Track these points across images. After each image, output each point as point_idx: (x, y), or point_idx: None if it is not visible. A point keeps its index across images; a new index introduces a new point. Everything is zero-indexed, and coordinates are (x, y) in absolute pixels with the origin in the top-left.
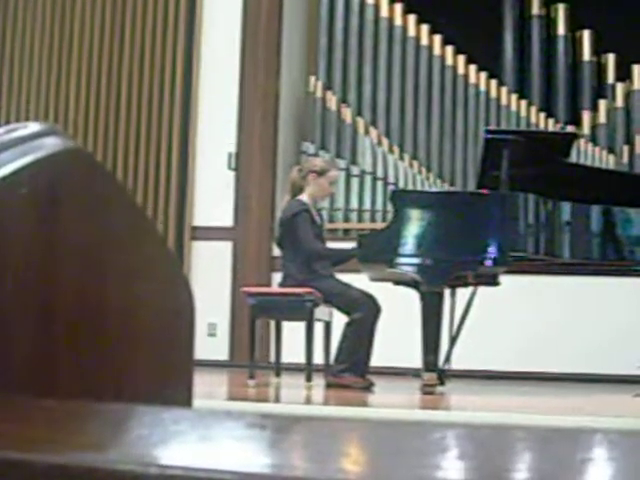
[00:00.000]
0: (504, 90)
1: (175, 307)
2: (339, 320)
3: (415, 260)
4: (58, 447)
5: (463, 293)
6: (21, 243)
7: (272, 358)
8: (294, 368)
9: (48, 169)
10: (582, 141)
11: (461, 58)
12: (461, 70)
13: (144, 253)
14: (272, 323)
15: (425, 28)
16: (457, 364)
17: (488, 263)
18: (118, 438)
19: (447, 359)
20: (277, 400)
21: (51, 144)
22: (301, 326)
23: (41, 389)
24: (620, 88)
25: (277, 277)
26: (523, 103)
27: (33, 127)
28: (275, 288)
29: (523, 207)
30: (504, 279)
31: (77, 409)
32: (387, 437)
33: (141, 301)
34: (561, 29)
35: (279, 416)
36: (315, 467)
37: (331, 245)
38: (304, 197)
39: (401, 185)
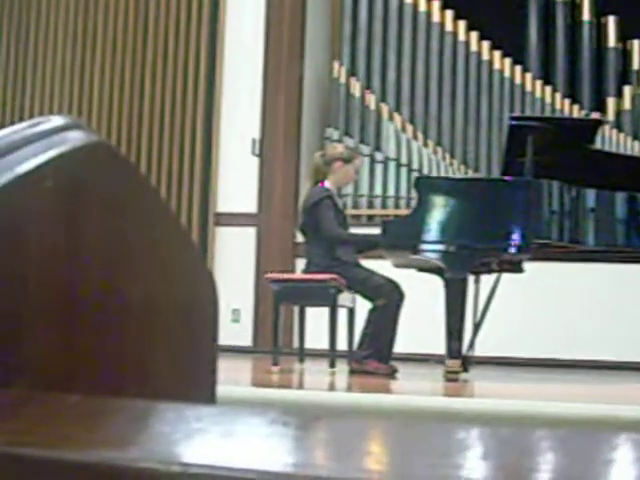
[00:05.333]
0: (529, 76)
1: (198, 301)
2: (363, 306)
3: (439, 247)
4: (80, 444)
5: (487, 280)
6: (45, 237)
7: (296, 344)
8: (318, 354)
9: (72, 163)
10: (607, 127)
11: (485, 44)
12: (485, 56)
13: (167, 246)
14: (296, 309)
15: (450, 14)
16: (481, 351)
17: (512, 250)
18: (140, 435)
19: (471, 346)
20: (300, 386)
21: (75, 138)
22: (325, 312)
23: (63, 385)
24: None
25: (301, 263)
26: (548, 89)
27: (56, 121)
28: (299, 274)
29: (547, 194)
30: (528, 266)
31: (99, 406)
32: (410, 436)
33: (164, 295)
34: (586, 15)
35: (302, 413)
36: (338, 466)
37: (355, 231)
38: (327, 183)
39: (425, 171)
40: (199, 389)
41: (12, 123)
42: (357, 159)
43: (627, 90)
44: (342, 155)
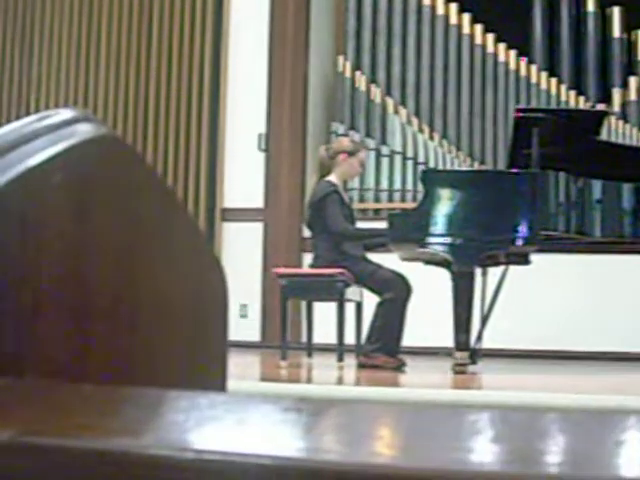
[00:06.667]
0: (534, 68)
1: (208, 291)
2: (370, 300)
3: (446, 239)
4: (94, 432)
5: (494, 272)
6: (55, 231)
7: (304, 339)
8: (326, 348)
9: (81, 156)
10: (613, 118)
11: (490, 36)
12: (490, 49)
13: (176, 238)
14: (303, 304)
15: (454, 7)
16: (489, 343)
17: (519, 242)
18: (154, 423)
19: (479, 338)
20: (309, 381)
21: (84, 131)
22: (332, 307)
23: (75, 376)
24: None
25: (308, 258)
26: (553, 81)
27: (65, 114)
28: (306, 269)
29: (554, 186)
30: (535, 258)
31: (112, 394)
32: (421, 420)
33: (174, 286)
34: (591, 6)
35: (315, 400)
36: (350, 450)
37: (361, 225)
38: (333, 178)
39: (431, 164)
40: (211, 377)
41: (18, 118)
42: (361, 152)
43: (633, 81)
44: (346, 148)
